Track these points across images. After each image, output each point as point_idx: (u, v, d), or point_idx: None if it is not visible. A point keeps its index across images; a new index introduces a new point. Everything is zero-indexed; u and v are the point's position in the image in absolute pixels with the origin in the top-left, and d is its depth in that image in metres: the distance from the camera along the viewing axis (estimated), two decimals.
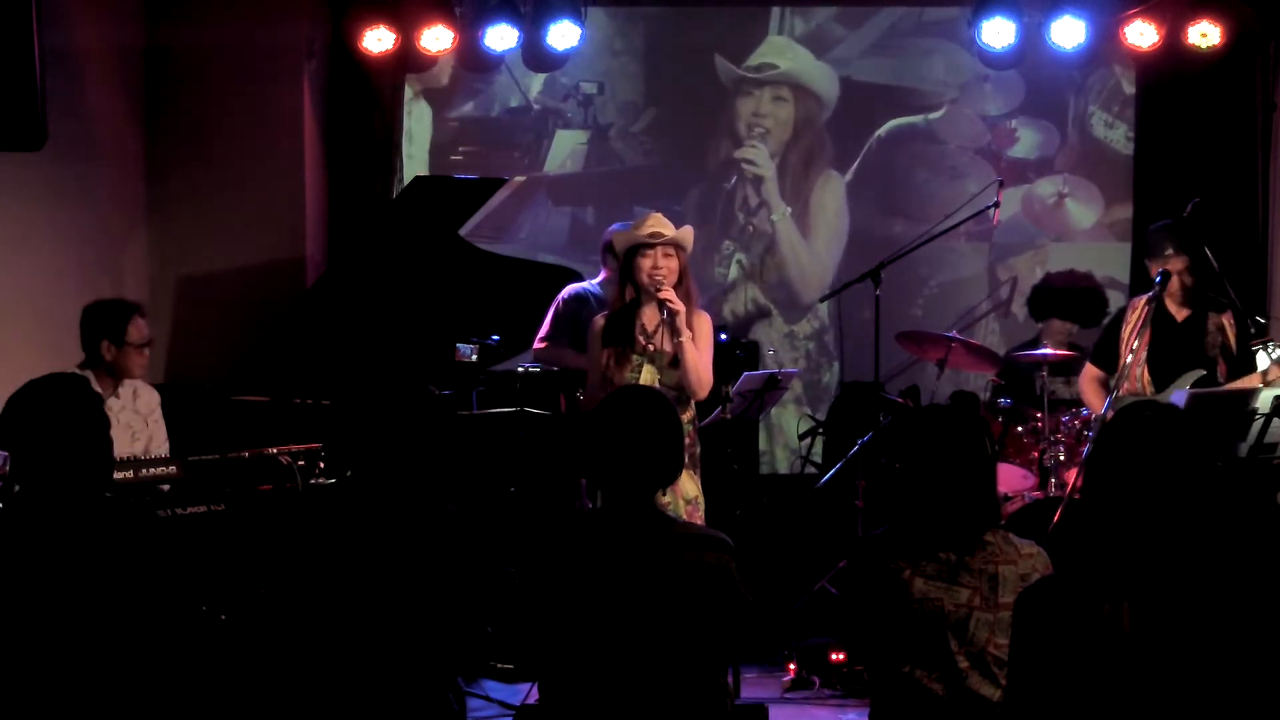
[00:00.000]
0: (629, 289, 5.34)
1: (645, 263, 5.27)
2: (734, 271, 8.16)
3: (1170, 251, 5.84)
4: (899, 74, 8.16)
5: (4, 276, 6.27)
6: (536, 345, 6.58)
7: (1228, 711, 2.53)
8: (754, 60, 8.17)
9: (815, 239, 8.20)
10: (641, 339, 5.29)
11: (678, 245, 5.31)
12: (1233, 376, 5.74)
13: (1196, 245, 5.90)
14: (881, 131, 8.18)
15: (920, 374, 7.46)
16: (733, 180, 8.15)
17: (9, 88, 4.65)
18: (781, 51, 8.17)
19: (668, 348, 5.26)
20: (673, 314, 5.21)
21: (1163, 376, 5.78)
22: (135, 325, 5.58)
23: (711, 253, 8.10)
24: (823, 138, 8.18)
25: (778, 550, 7.03)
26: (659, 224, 5.33)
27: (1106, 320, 6.04)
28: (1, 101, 4.64)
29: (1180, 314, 5.86)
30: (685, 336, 5.21)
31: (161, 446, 5.64)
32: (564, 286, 6.63)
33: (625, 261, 5.35)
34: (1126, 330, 5.93)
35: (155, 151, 7.61)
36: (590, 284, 6.60)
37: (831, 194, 8.19)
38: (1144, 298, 5.96)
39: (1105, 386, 5.99)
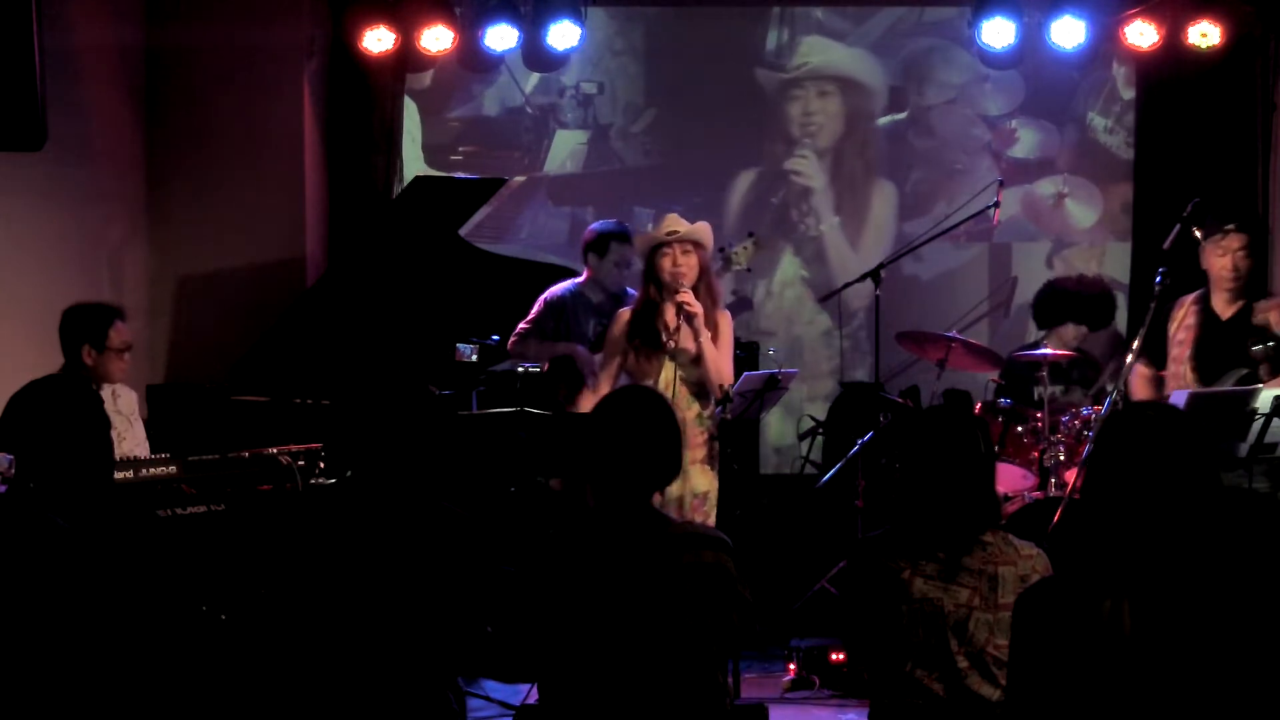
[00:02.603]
0: (651, 288, 5.44)
1: (665, 262, 5.39)
2: (788, 271, 8.17)
3: (1231, 227, 5.69)
4: (899, 74, 8.16)
5: (4, 276, 6.27)
6: (511, 342, 6.54)
7: (1228, 711, 2.53)
8: (797, 60, 8.15)
9: (863, 244, 8.18)
10: (664, 336, 5.38)
11: (696, 243, 5.41)
12: (1276, 373, 5.62)
13: (1257, 223, 5.75)
14: (881, 131, 8.19)
15: (920, 374, 7.47)
16: (781, 192, 8.14)
17: (9, 88, 4.65)
18: (823, 49, 8.16)
19: (689, 345, 5.36)
20: (690, 316, 5.31)
21: (1208, 375, 5.68)
22: (116, 330, 5.54)
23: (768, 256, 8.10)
24: (874, 141, 8.17)
25: (778, 550, 7.03)
26: (675, 222, 5.45)
27: (1149, 314, 5.89)
28: (1, 101, 4.64)
29: (1226, 311, 5.72)
30: (705, 336, 5.35)
31: (141, 445, 5.64)
32: None
33: (647, 261, 5.46)
34: (1173, 328, 5.82)
35: (155, 151, 7.61)
36: (571, 284, 6.55)
37: (885, 203, 8.18)
38: (1191, 296, 5.86)
39: (1157, 384, 5.90)
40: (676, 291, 5.35)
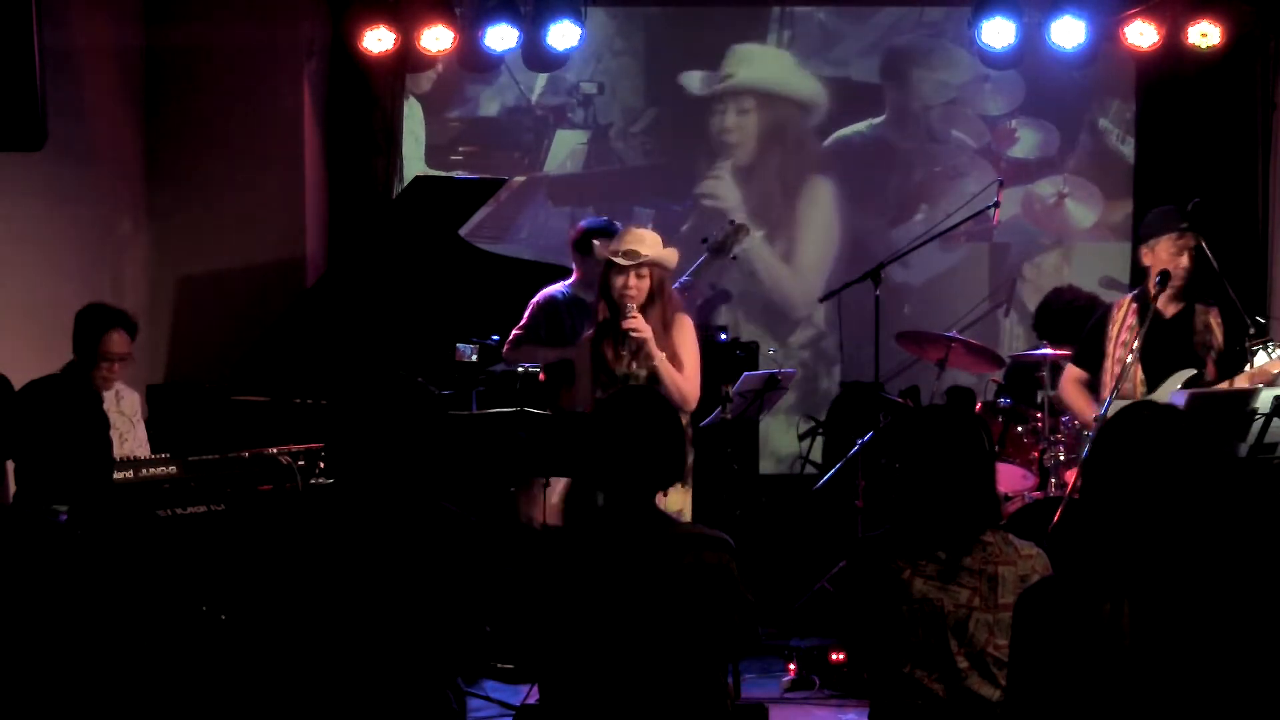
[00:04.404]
0: (604, 305, 5.28)
1: (617, 281, 5.21)
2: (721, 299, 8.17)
3: (1186, 226, 5.66)
4: (899, 74, 8.16)
5: (3, 276, 6.27)
6: (506, 348, 6.52)
7: (1228, 712, 2.53)
8: (722, 71, 8.14)
9: (803, 251, 8.17)
10: (625, 354, 5.24)
11: (653, 264, 5.23)
12: (1222, 375, 5.66)
13: (1204, 229, 5.77)
14: (881, 131, 8.19)
15: (920, 374, 7.47)
16: (690, 221, 8.05)
17: (9, 88, 4.65)
18: (748, 61, 8.14)
19: (645, 369, 5.21)
20: (640, 342, 5.16)
21: (1154, 375, 5.70)
22: (110, 340, 5.51)
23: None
24: (802, 144, 8.16)
25: (778, 550, 7.03)
26: (634, 240, 5.24)
27: (1091, 321, 5.96)
28: (1, 101, 4.64)
29: (1169, 310, 5.73)
30: (658, 359, 5.17)
31: (142, 446, 5.63)
32: None
33: (602, 276, 5.28)
34: (1114, 329, 5.83)
35: (155, 151, 7.62)
36: (563, 286, 6.54)
37: (820, 201, 8.17)
38: (1129, 296, 5.89)
39: (1088, 388, 5.91)
40: (624, 315, 5.17)
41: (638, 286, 5.20)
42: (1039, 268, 8.14)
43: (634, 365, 5.23)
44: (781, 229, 8.19)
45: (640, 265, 5.20)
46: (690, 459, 5.32)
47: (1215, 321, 5.71)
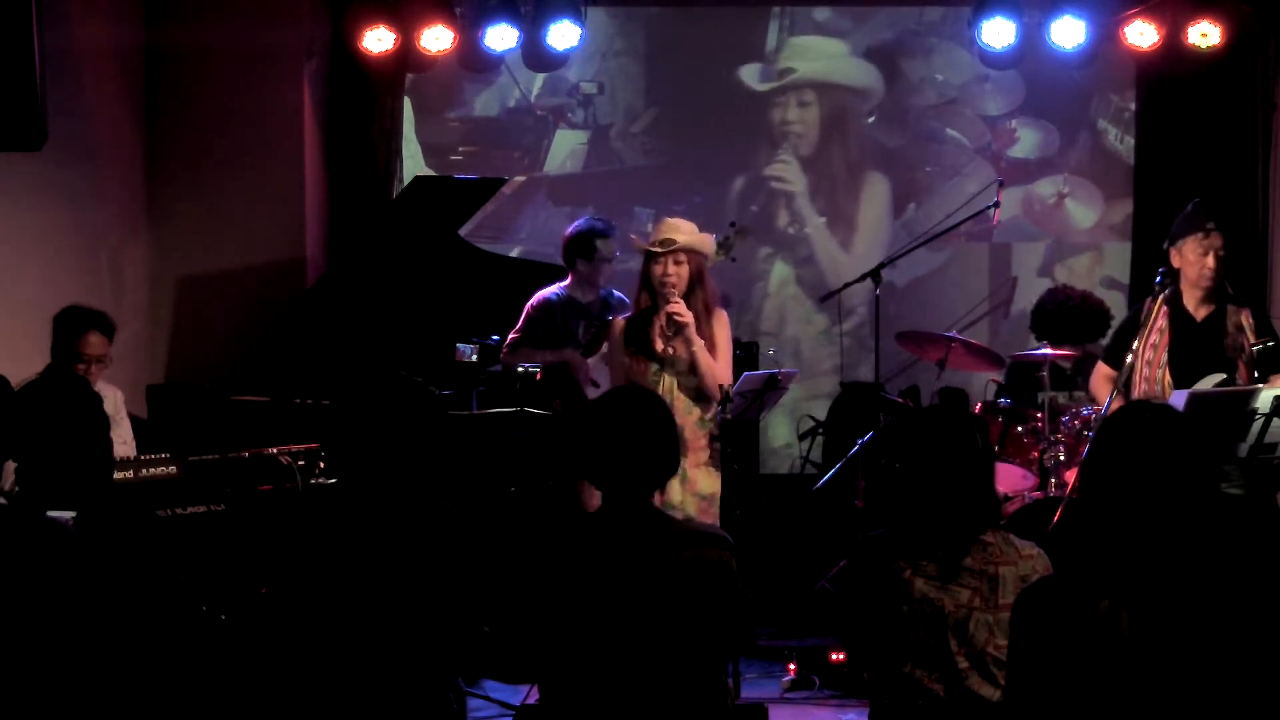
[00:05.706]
0: (645, 295, 5.37)
1: (656, 270, 5.31)
2: (777, 273, 8.16)
3: (1212, 226, 5.61)
4: (898, 74, 8.16)
5: (4, 276, 6.27)
6: (503, 353, 6.53)
7: (1227, 712, 2.53)
8: (780, 64, 8.16)
9: (795, 251, 8.18)
10: (661, 342, 5.32)
11: (690, 250, 5.32)
12: (1261, 378, 5.58)
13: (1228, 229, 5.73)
14: (880, 131, 8.19)
15: (920, 374, 7.47)
16: (763, 196, 8.11)
17: (9, 88, 4.66)
18: (802, 53, 8.17)
19: (682, 353, 5.30)
20: (680, 326, 5.25)
21: (1184, 379, 5.61)
22: (87, 341, 5.49)
23: (749, 256, 8.05)
24: (862, 137, 8.19)
25: (778, 550, 7.03)
26: (669, 230, 5.33)
27: (1117, 321, 5.91)
28: (1, 101, 4.65)
29: (1200, 312, 5.65)
30: (698, 345, 5.26)
31: (126, 444, 5.63)
32: None
33: (642, 268, 5.39)
34: (1143, 331, 5.76)
35: (155, 151, 7.62)
36: (558, 288, 6.53)
37: (876, 197, 8.18)
38: (1161, 297, 5.81)
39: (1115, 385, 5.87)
40: (667, 301, 5.28)
41: (677, 273, 5.30)
42: (1040, 267, 8.14)
43: (674, 349, 5.30)
44: (776, 228, 8.20)
45: (675, 251, 5.28)
46: (718, 446, 5.43)
47: (1247, 322, 5.63)
